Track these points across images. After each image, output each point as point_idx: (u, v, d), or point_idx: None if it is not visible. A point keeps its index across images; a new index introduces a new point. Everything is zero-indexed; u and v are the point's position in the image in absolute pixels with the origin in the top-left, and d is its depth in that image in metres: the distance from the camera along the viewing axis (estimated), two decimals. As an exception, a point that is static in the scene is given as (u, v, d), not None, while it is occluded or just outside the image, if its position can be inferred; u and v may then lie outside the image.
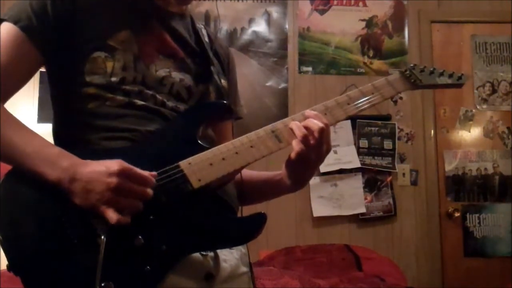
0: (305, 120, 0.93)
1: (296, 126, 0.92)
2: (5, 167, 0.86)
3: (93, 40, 0.93)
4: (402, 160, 3.14)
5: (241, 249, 1.04)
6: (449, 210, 3.12)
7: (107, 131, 0.92)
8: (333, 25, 3.24)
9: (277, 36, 3.21)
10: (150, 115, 0.94)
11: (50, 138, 1.00)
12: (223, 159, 0.91)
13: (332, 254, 2.73)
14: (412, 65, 1.04)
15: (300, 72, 3.20)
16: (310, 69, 3.21)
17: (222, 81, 1.10)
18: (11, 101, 0.93)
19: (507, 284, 2.89)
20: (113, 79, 0.93)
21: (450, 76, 1.05)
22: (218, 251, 0.96)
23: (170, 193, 0.87)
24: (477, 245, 3.11)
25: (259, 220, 0.90)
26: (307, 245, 2.88)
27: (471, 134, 3.23)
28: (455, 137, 3.23)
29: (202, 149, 0.92)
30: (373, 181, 3.10)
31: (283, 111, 3.10)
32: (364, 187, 3.08)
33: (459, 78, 1.05)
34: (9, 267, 0.81)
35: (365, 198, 3.07)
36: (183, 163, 0.89)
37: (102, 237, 0.80)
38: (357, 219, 3.07)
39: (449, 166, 3.18)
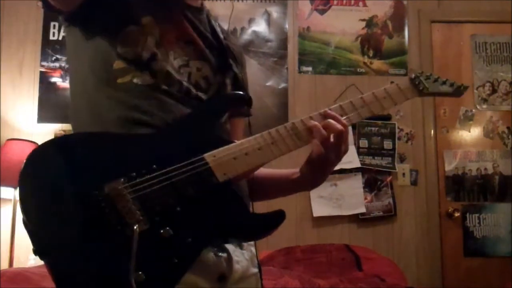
0: (324, 120, 0.93)
1: (316, 127, 0.92)
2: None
3: (125, 16, 0.94)
4: (402, 160, 3.14)
5: (252, 249, 1.04)
6: (449, 210, 3.12)
7: (130, 109, 0.91)
8: (333, 25, 3.25)
9: (277, 36, 3.21)
10: (174, 102, 0.94)
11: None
12: (246, 154, 0.90)
13: (332, 254, 2.73)
14: (419, 72, 1.05)
15: (300, 72, 3.20)
16: (310, 69, 3.21)
17: (243, 74, 1.11)
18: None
19: (507, 284, 2.89)
20: (144, 54, 0.93)
21: (451, 85, 1.06)
22: (232, 252, 0.96)
23: (196, 186, 0.86)
24: (477, 245, 3.12)
25: (279, 217, 0.90)
26: (307, 245, 2.88)
27: (471, 134, 3.23)
28: (455, 137, 3.23)
29: (223, 141, 0.91)
30: (373, 181, 3.10)
31: (283, 111, 3.10)
32: (364, 187, 3.08)
33: (459, 88, 1.06)
34: (35, 251, 0.79)
35: (365, 198, 3.07)
36: (208, 156, 0.88)
37: (135, 227, 0.79)
38: (357, 219, 3.07)
39: (449, 166, 3.18)
